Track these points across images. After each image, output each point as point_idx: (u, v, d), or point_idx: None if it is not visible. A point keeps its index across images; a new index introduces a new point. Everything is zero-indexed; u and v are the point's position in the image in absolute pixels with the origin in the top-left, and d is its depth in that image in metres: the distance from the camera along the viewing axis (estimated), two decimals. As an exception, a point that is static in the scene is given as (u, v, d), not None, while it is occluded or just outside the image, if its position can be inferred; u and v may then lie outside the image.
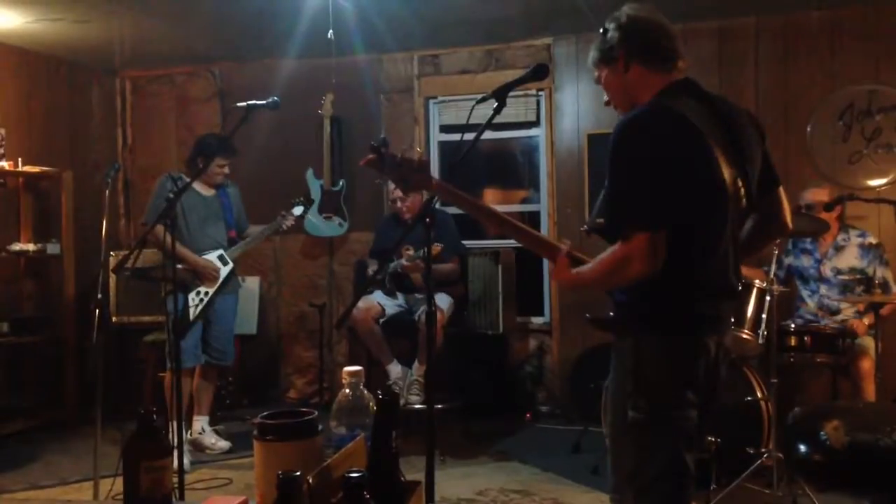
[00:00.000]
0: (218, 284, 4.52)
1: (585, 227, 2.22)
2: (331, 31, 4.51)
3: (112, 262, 5.09)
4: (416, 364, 4.77)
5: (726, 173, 1.93)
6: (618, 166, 1.92)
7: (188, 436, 4.50)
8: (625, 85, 2.10)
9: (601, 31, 2.13)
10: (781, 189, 2.14)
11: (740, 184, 1.98)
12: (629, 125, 1.94)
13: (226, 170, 4.58)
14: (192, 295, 4.43)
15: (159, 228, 3.44)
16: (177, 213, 3.56)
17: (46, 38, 5.36)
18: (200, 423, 4.69)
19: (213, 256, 4.54)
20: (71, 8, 4.75)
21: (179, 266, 3.82)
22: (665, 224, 1.85)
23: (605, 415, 2.10)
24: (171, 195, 3.40)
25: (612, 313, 2.09)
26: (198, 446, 4.63)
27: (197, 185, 4.44)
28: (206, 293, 4.49)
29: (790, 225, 2.19)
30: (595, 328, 2.21)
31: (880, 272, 4.31)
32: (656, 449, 1.96)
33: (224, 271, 4.55)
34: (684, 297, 1.95)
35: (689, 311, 1.96)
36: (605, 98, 2.19)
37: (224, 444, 4.68)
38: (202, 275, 4.46)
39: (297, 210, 4.74)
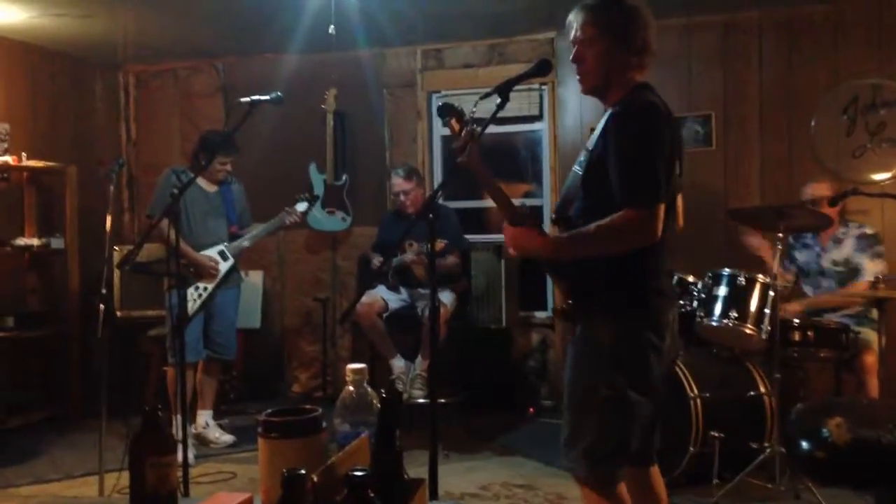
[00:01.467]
0: (217, 280, 4.53)
1: (553, 215, 2.33)
2: (332, 25, 4.51)
3: (116, 256, 5.10)
4: (419, 359, 4.78)
5: (677, 166, 2.18)
6: (629, 143, 2.06)
7: (192, 430, 4.52)
8: (620, 65, 2.17)
9: (614, 4, 2.18)
10: (681, 194, 2.33)
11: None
12: (636, 110, 2.10)
13: (228, 167, 4.59)
14: (191, 290, 4.43)
15: (164, 222, 3.46)
16: (180, 208, 3.57)
17: (50, 33, 5.36)
18: (204, 417, 4.71)
19: (213, 252, 4.55)
20: (74, 3, 4.75)
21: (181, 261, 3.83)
22: (665, 200, 2.04)
23: (566, 393, 2.26)
24: (176, 190, 3.40)
25: (570, 302, 2.24)
26: (202, 440, 4.65)
27: (200, 181, 4.45)
28: (206, 288, 4.50)
29: (681, 225, 2.37)
30: (565, 319, 2.30)
31: (860, 258, 4.29)
32: (619, 424, 2.13)
33: (224, 267, 4.55)
34: (653, 277, 2.14)
35: (657, 290, 2.15)
36: (573, 57, 2.25)
37: (228, 438, 4.70)
38: (201, 271, 4.47)
39: (301, 206, 4.72)
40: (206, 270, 4.47)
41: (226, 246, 4.59)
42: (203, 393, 4.69)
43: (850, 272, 4.30)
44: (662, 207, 2.02)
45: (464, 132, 2.20)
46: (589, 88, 2.25)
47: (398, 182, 5.00)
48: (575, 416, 2.20)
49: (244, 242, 4.66)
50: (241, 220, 4.74)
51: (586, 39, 2.19)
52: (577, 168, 2.28)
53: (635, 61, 2.18)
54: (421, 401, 4.59)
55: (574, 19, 2.23)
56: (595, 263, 2.12)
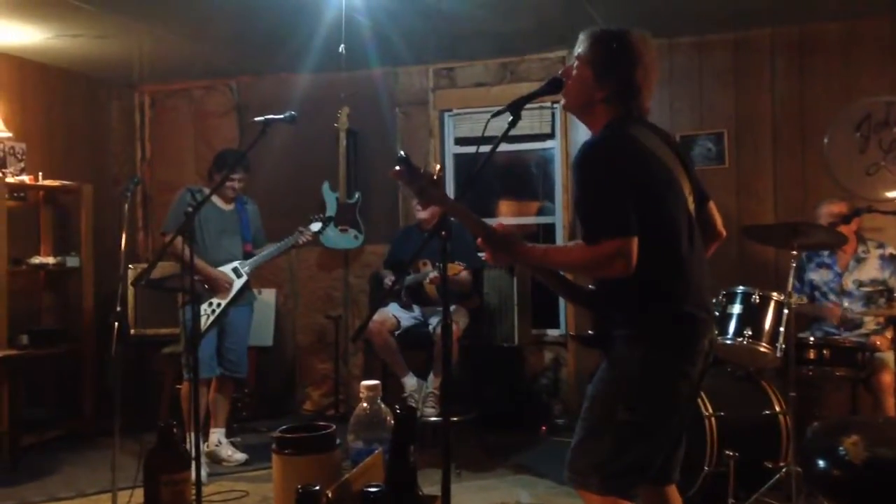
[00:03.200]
0: (231, 296, 4.54)
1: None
2: (342, 45, 4.55)
3: (131, 274, 5.13)
4: (431, 376, 4.77)
5: (685, 187, 2.16)
6: (592, 180, 2.09)
7: (205, 448, 4.52)
8: (601, 96, 2.19)
9: (611, 39, 2.20)
10: (712, 203, 2.35)
11: (692, 196, 2.20)
12: (600, 146, 2.12)
13: (235, 184, 4.60)
14: (204, 306, 4.44)
15: (178, 240, 3.48)
16: (194, 226, 3.59)
17: (66, 53, 5.43)
18: (217, 435, 4.71)
19: (228, 269, 4.57)
20: (90, 24, 4.81)
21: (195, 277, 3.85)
22: (636, 232, 1.99)
23: (586, 403, 2.19)
24: (190, 208, 3.43)
25: (594, 331, 2.25)
26: (214, 458, 4.64)
27: (216, 199, 4.50)
28: (219, 304, 4.52)
29: (723, 232, 2.36)
30: (589, 346, 2.29)
31: (894, 280, 4.27)
32: (635, 448, 2.09)
33: (237, 283, 4.57)
34: (684, 301, 2.09)
35: (687, 316, 2.10)
36: (562, 72, 2.28)
37: (240, 457, 4.69)
38: (214, 286, 4.49)
39: (315, 226, 4.73)
40: (219, 285, 4.49)
41: (240, 263, 4.61)
42: (216, 411, 4.69)
43: (881, 293, 4.27)
44: (621, 241, 1.97)
45: (413, 177, 2.19)
46: (568, 107, 2.31)
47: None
48: (589, 429, 2.16)
49: (257, 261, 4.68)
50: (255, 239, 4.76)
51: (578, 62, 2.24)
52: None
53: (619, 95, 2.17)
54: (433, 419, 4.57)
55: (579, 41, 2.27)
56: (622, 293, 2.10)
